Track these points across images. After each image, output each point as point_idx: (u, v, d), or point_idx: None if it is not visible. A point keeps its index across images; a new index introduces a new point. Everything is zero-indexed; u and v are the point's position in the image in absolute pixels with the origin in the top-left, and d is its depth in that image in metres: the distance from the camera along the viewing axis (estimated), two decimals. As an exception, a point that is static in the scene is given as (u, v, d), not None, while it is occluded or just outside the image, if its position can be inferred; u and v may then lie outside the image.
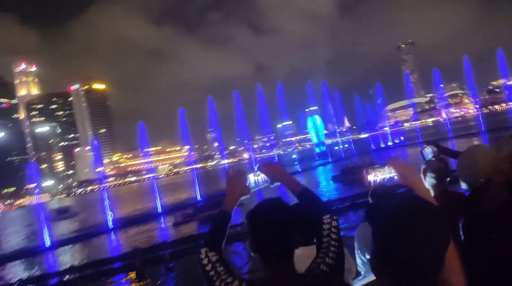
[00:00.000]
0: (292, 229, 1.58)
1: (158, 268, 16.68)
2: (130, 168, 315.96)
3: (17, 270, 23.79)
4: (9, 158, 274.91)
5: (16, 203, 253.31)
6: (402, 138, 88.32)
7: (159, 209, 38.91)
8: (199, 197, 43.88)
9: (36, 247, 30.05)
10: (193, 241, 21.29)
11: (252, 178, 2.01)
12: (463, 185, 2.35)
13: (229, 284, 1.53)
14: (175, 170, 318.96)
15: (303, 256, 1.76)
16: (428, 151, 3.10)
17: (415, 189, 1.74)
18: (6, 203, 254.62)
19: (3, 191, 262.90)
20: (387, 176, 2.13)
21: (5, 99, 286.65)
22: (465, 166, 2.30)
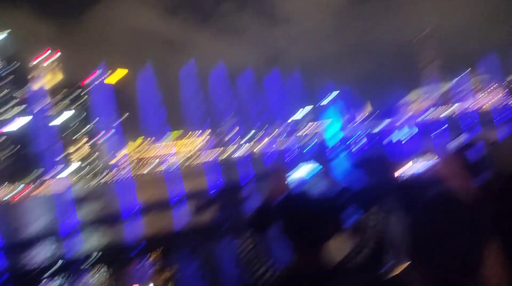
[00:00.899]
0: (325, 219, 1.61)
1: (179, 253, 17.02)
2: (151, 154, 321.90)
3: (45, 251, 24.71)
4: (33, 145, 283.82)
5: (42, 186, 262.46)
6: (415, 129, 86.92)
7: (180, 195, 39.53)
8: (217, 184, 44.33)
9: (62, 229, 31.10)
10: (212, 228, 21.60)
11: (298, 172, 2.16)
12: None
13: (263, 265, 1.66)
14: (195, 156, 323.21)
15: (334, 247, 1.78)
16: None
17: (455, 182, 1.70)
18: (33, 185, 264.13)
19: (31, 174, 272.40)
20: (418, 169, 2.15)
21: (31, 85, 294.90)
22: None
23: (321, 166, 2.09)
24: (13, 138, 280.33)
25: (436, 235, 1.09)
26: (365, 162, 36.34)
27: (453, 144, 3.07)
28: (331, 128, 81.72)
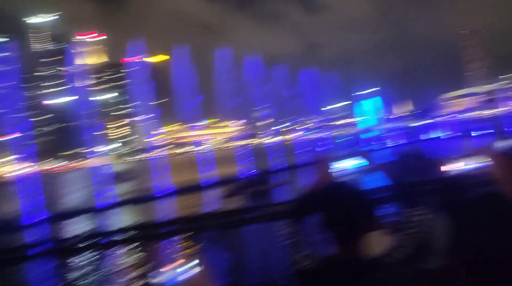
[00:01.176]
0: (365, 211, 1.63)
1: (207, 236, 17.38)
2: (185, 139, 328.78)
3: (81, 225, 25.98)
4: (78, 121, 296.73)
5: (82, 163, 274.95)
6: (449, 131, 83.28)
7: (210, 180, 40.24)
8: (249, 172, 44.71)
9: (98, 205, 32.56)
10: (240, 214, 21.89)
11: (343, 163, 2.11)
12: None
13: (300, 253, 1.68)
14: (227, 144, 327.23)
15: (374, 241, 1.76)
16: None
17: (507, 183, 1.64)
18: (73, 161, 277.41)
19: (72, 151, 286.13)
20: (465, 167, 2.05)
21: (75, 65, 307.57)
22: None
23: (365, 160, 2.02)
24: (56, 114, 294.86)
25: (481, 237, 1.06)
26: (407, 158, 35.39)
27: (500, 145, 2.92)
28: (368, 123, 79.87)
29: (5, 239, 22.50)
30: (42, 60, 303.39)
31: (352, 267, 1.52)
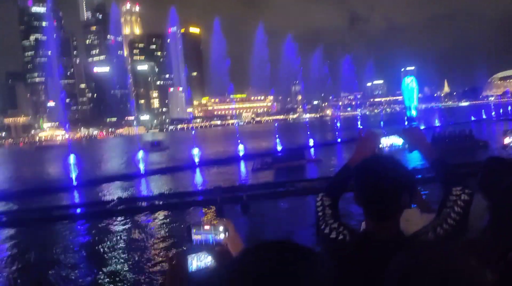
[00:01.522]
0: (401, 188, 1.56)
1: (235, 208, 17.86)
2: (216, 112, 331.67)
3: (116, 191, 27.25)
4: (112, 91, 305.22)
5: (117, 132, 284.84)
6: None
7: (240, 154, 40.70)
8: (278, 148, 44.82)
9: (131, 173, 33.89)
10: (268, 188, 22.24)
11: (388, 140, 2.07)
12: None
13: (332, 226, 1.66)
14: (257, 119, 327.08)
15: (411, 218, 1.77)
16: None
17: None
18: (108, 130, 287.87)
19: (106, 120, 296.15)
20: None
21: (111, 36, 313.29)
22: None
23: (405, 139, 1.94)
24: (98, 82, 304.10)
25: None
26: (450, 138, 34.28)
27: None
28: (411, 101, 77.03)
29: (48, 200, 24.09)
30: (86, 29, 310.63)
31: (385, 243, 1.49)
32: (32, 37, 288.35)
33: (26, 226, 18.15)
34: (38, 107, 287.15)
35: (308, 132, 50.86)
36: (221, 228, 1.79)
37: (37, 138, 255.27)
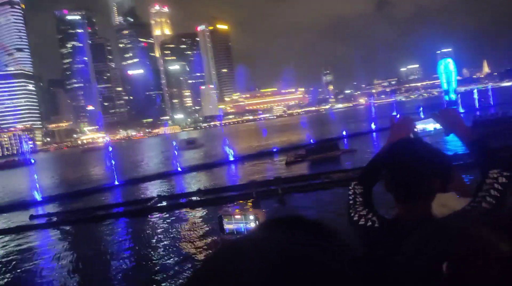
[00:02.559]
0: (431, 172, 1.52)
1: (271, 200, 18.11)
2: (247, 107, 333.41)
3: (156, 188, 28.26)
4: (147, 92, 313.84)
5: (153, 132, 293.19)
6: None
7: (273, 148, 40.88)
8: (311, 140, 44.60)
9: (169, 171, 34.96)
10: (303, 180, 22.29)
11: (420, 125, 2.01)
12: None
13: (361, 214, 1.66)
14: (289, 112, 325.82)
15: (435, 203, 1.73)
16: None
17: None
18: (145, 131, 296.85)
19: (143, 121, 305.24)
20: None
21: (143, 39, 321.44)
22: None
23: (440, 122, 1.91)
24: (133, 84, 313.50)
25: None
26: (489, 121, 32.69)
27: None
28: (447, 84, 73.53)
29: (91, 200, 25.43)
30: (119, 33, 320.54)
31: (414, 226, 1.28)
32: (69, 45, 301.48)
33: (75, 226, 19.33)
34: (78, 112, 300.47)
35: (345, 121, 49.94)
36: (251, 217, 1.91)
37: (80, 141, 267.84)
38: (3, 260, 15.36)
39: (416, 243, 0.87)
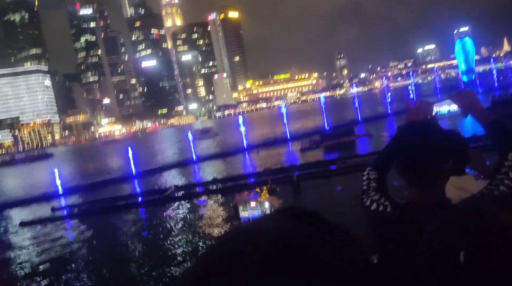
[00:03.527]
0: (443, 153, 1.48)
1: (286, 187, 18.13)
2: (261, 95, 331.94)
3: (172, 178, 28.60)
4: (161, 83, 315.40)
5: (168, 122, 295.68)
6: None
7: (288, 135, 40.72)
8: (326, 126, 44.23)
9: (185, 160, 35.29)
10: (318, 166, 22.20)
11: (440, 107, 1.93)
12: None
13: (373, 198, 1.64)
14: (303, 98, 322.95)
15: (453, 186, 1.66)
16: None
17: None
18: (161, 121, 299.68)
19: (158, 112, 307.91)
20: None
21: (155, 30, 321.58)
22: None
23: (457, 103, 1.85)
24: (143, 79, 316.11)
25: None
26: (508, 102, 31.66)
27: None
28: (465, 65, 71.38)
29: (110, 191, 25.92)
30: (131, 26, 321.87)
31: (428, 210, 1.42)
32: (82, 39, 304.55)
33: (97, 216, 19.80)
34: (94, 105, 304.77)
35: (361, 105, 49.16)
36: (266, 205, 1.89)
37: (97, 134, 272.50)
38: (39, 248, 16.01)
39: (436, 232, 0.84)
